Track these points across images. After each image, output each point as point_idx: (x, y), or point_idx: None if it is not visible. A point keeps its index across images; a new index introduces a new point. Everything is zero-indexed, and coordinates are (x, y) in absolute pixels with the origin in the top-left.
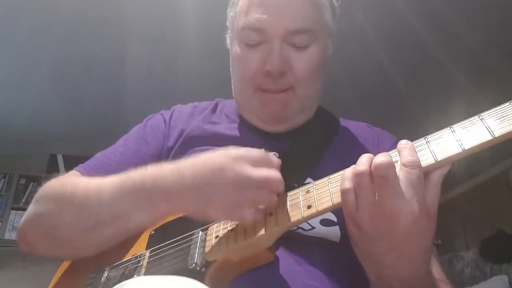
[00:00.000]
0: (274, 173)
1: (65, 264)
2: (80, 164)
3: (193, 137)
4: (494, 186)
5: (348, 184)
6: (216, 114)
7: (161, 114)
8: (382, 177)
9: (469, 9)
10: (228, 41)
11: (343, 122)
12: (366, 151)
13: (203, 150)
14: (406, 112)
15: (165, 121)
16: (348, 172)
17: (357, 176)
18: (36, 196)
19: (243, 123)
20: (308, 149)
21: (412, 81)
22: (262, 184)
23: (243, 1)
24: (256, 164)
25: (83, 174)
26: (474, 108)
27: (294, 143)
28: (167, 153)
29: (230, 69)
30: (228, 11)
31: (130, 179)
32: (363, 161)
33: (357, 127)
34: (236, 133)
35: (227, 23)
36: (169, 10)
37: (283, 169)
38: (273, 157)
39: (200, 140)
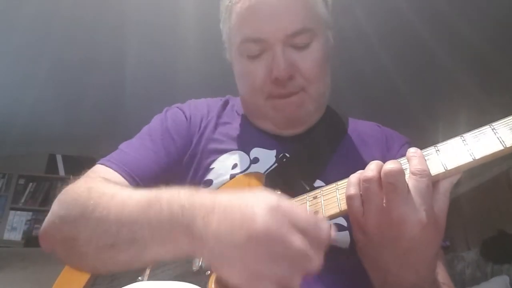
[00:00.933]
0: (316, 252)
1: None
2: (107, 157)
3: (205, 138)
4: (495, 186)
5: (353, 190)
6: (227, 112)
7: (178, 108)
8: (391, 184)
9: (477, 11)
10: (227, 55)
11: (352, 122)
12: (374, 150)
13: (212, 150)
14: (412, 117)
15: (186, 117)
16: (354, 178)
17: (365, 181)
18: (62, 195)
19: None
20: (317, 151)
21: (417, 85)
22: (299, 259)
23: (236, 14)
24: (300, 228)
25: (114, 169)
26: (481, 113)
27: (304, 145)
28: (186, 154)
29: (237, 83)
30: (221, 26)
31: (158, 203)
32: (372, 167)
33: (366, 127)
34: (246, 134)
35: (223, 38)
36: (168, 10)
37: (293, 171)
38: (325, 224)
39: (210, 141)
